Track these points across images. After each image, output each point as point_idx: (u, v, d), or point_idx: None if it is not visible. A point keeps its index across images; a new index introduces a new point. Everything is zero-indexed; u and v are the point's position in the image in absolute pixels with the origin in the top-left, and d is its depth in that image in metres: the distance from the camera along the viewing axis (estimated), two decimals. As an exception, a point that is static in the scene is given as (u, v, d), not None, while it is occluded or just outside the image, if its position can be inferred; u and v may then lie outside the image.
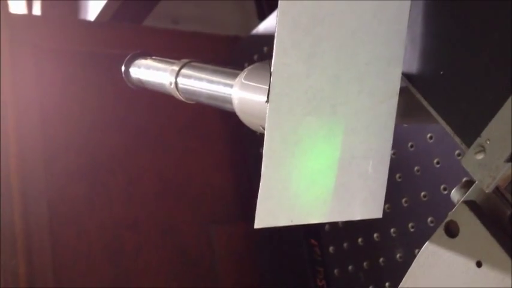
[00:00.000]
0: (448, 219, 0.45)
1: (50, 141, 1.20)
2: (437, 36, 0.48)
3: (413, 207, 1.06)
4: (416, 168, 1.06)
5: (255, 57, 1.37)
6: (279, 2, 0.43)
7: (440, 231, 0.45)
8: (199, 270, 1.32)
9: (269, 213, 0.45)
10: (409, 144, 1.06)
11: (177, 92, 0.69)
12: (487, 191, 0.42)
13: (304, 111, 0.46)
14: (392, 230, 1.09)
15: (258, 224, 0.45)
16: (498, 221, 0.44)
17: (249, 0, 1.91)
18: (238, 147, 1.41)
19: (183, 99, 0.70)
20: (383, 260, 1.12)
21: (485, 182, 0.42)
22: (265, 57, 1.34)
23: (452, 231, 0.45)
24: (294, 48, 0.44)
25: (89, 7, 1.51)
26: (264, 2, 1.87)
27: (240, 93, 0.57)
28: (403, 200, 1.08)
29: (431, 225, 1.03)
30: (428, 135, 1.03)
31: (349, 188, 0.49)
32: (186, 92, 0.68)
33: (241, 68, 1.43)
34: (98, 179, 1.24)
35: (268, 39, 1.33)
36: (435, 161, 1.02)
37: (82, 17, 1.51)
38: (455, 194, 0.48)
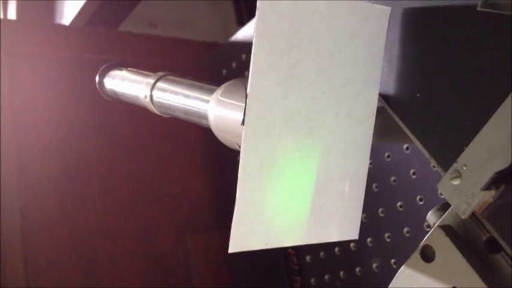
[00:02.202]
0: (424, 243, 0.45)
1: (23, 148, 1.17)
2: (414, 58, 0.48)
3: (389, 217, 1.07)
4: (392, 178, 1.06)
5: (233, 64, 1.36)
6: (256, 24, 0.43)
7: (416, 255, 0.45)
8: (175, 280, 1.30)
9: (244, 237, 0.45)
10: (386, 154, 1.07)
11: (152, 106, 0.68)
12: (463, 217, 0.42)
13: (280, 133, 0.45)
14: (368, 239, 1.09)
15: (233, 248, 0.44)
16: (474, 246, 0.44)
17: (228, 4, 1.90)
18: (216, 154, 1.40)
19: (158, 113, 0.69)
20: (359, 269, 1.12)
21: (461, 208, 0.42)
22: (244, 64, 1.33)
23: (428, 255, 0.44)
24: (270, 70, 0.44)
25: (65, 10, 1.48)
26: (243, 8, 1.87)
27: (216, 109, 0.56)
28: (380, 210, 1.08)
29: (407, 235, 1.03)
30: (405, 145, 1.03)
31: (326, 210, 0.49)
32: (161, 106, 0.67)
33: (219, 74, 1.42)
34: (72, 187, 1.21)
35: (246, 46, 1.32)
36: (411, 171, 1.03)
37: (58, 20, 1.49)
38: (431, 217, 0.48)
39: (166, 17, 1.81)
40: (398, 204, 1.05)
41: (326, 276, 1.19)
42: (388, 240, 1.07)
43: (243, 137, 0.44)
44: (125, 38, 1.41)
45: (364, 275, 1.12)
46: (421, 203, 1.01)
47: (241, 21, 1.85)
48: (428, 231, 1.05)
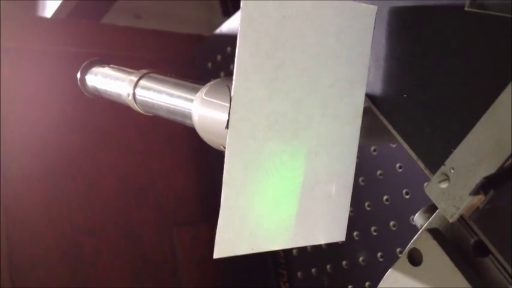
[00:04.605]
0: (411, 246, 0.44)
1: (5, 144, 1.15)
2: (401, 58, 0.47)
3: (375, 211, 1.07)
4: (379, 172, 1.06)
5: (219, 57, 1.34)
6: (240, 25, 0.41)
7: (404, 258, 0.44)
8: (161, 275, 1.30)
9: (229, 243, 0.44)
10: (372, 148, 1.06)
11: (135, 104, 0.66)
12: (450, 221, 0.41)
13: (266, 136, 0.44)
14: (355, 233, 1.09)
15: (218, 253, 0.43)
16: (461, 250, 0.43)
17: (213, -4, 1.89)
18: (201, 148, 1.38)
19: (141, 112, 0.67)
20: (346, 263, 1.12)
21: (449, 211, 0.41)
22: (229, 57, 1.32)
23: (415, 259, 0.44)
24: (255, 73, 0.43)
25: (47, 3, 1.46)
26: (229, -1, 1.85)
27: (200, 109, 0.55)
28: (366, 204, 1.08)
29: (394, 229, 1.03)
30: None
31: (312, 213, 0.48)
32: (144, 104, 0.65)
33: (204, 67, 1.40)
34: (56, 183, 1.20)
35: (231, 39, 1.31)
36: (398, 165, 1.03)
37: (40, 13, 1.46)
38: (418, 219, 0.48)
39: (151, 8, 1.79)
40: (385, 198, 1.05)
41: (313, 270, 1.19)
42: (375, 233, 1.07)
43: (227, 141, 0.43)
44: (108, 31, 1.38)
45: (350, 268, 1.12)
46: (407, 196, 1.01)
47: (227, 12, 1.84)
48: (415, 225, 1.05)
